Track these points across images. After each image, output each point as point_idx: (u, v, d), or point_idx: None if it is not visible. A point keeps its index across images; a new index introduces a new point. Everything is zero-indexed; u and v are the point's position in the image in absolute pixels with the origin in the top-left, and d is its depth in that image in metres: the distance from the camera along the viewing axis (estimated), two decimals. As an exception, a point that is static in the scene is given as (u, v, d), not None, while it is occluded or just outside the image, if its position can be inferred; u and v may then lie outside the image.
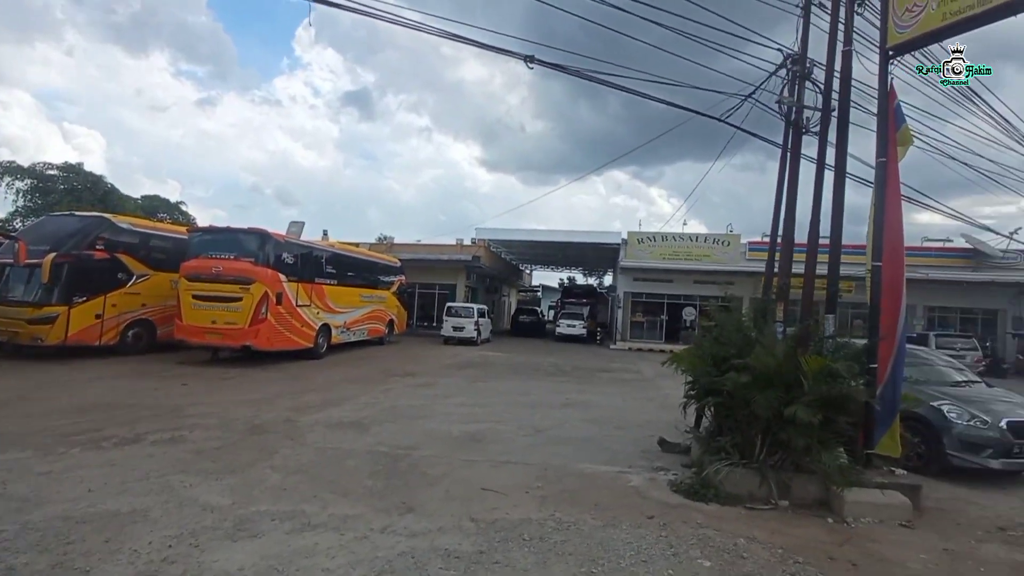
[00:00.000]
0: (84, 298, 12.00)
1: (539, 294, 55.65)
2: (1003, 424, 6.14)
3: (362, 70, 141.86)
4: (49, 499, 4.26)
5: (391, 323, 19.77)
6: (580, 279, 47.64)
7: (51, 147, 69.83)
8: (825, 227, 6.23)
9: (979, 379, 8.06)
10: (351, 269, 16.72)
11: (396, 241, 28.84)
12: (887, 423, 5.35)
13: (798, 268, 7.07)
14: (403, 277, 21.26)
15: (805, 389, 4.89)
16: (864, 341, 5.64)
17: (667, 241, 25.27)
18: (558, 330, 27.49)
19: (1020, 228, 21.47)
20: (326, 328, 14.73)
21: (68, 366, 10.98)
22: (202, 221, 31.76)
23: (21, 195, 27.70)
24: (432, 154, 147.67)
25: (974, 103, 10.05)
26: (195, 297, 12.34)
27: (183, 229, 15.46)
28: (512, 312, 37.52)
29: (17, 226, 24.95)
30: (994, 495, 5.71)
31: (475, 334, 21.85)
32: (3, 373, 9.90)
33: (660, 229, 26.91)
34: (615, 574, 3.47)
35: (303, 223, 15.46)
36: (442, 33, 7.81)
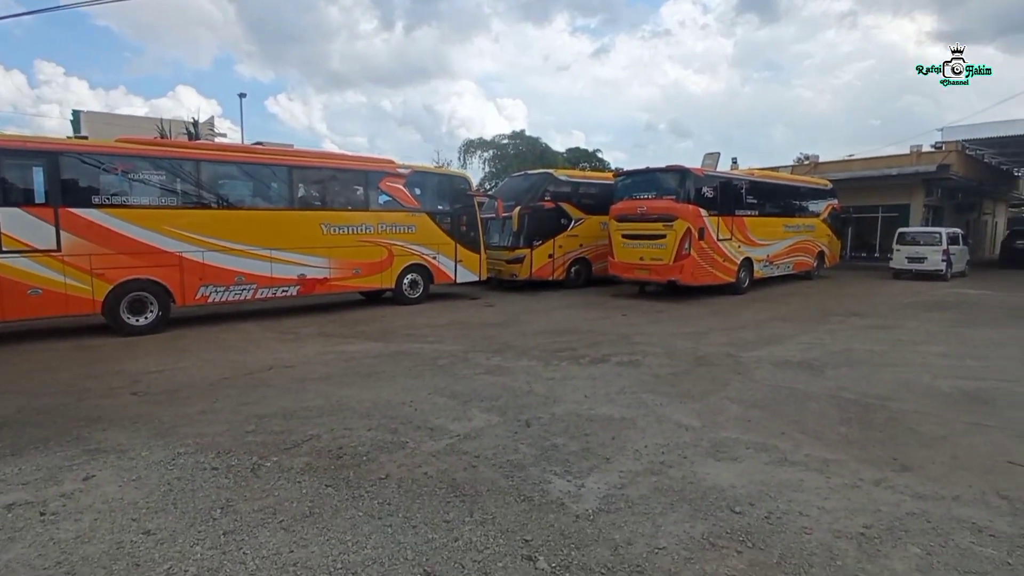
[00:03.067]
0: (540, 241, 14.84)
1: (1045, 208, 39.64)
2: None
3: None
4: (560, 399, 5.46)
5: (821, 255, 17.73)
6: None
7: (491, 121, 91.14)
8: None
9: None
10: (773, 197, 15.62)
11: (820, 160, 25.00)
12: None
13: None
14: (836, 202, 18.67)
15: None
16: None
17: None
18: None
19: None
20: (748, 262, 14.27)
21: (533, 297, 13.96)
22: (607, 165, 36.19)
23: (486, 162, 37.89)
24: (857, 44, 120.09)
25: None
26: (624, 236, 13.75)
27: (607, 175, 17.49)
28: (1003, 236, 28.14)
29: (487, 187, 32.49)
30: None
31: (943, 266, 17.29)
32: (498, 300, 13.40)
33: None
34: None
35: (718, 154, 15.09)
36: None
